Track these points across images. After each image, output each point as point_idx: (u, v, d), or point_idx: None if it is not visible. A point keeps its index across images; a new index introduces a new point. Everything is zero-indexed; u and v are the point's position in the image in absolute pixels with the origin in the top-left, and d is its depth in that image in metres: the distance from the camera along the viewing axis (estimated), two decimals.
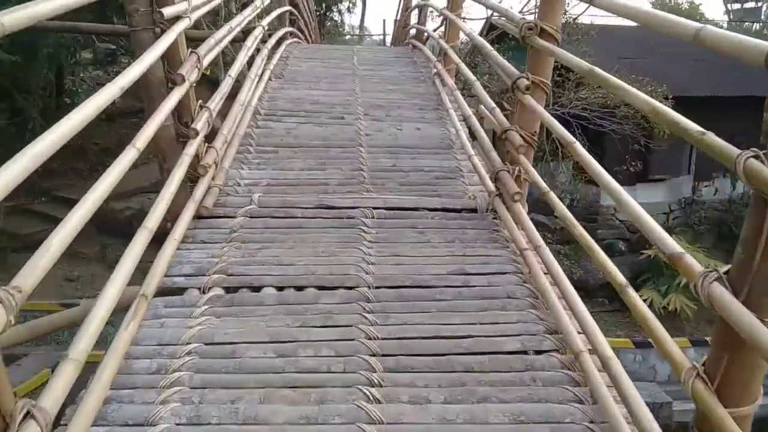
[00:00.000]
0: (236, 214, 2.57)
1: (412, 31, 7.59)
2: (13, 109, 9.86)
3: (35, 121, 9.87)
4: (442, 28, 5.78)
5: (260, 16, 4.82)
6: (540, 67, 2.36)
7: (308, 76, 4.84)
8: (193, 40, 7.18)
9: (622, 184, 1.69)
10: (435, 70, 4.82)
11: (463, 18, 7.89)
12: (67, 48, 9.19)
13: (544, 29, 2.27)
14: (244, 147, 3.37)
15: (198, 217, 2.52)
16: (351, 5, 18.06)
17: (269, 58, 4.85)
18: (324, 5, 15.74)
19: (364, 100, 4.26)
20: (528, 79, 2.34)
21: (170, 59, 2.40)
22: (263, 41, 5.39)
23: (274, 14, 5.13)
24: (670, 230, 11.34)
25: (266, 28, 4.54)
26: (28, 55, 8.60)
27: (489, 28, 10.47)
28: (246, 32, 4.33)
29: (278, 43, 5.87)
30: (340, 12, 16.92)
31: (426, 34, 6.07)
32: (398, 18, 10.43)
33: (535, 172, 2.46)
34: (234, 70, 3.18)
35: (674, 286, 9.84)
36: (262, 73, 4.44)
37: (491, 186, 2.78)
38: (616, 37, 11.05)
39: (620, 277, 1.64)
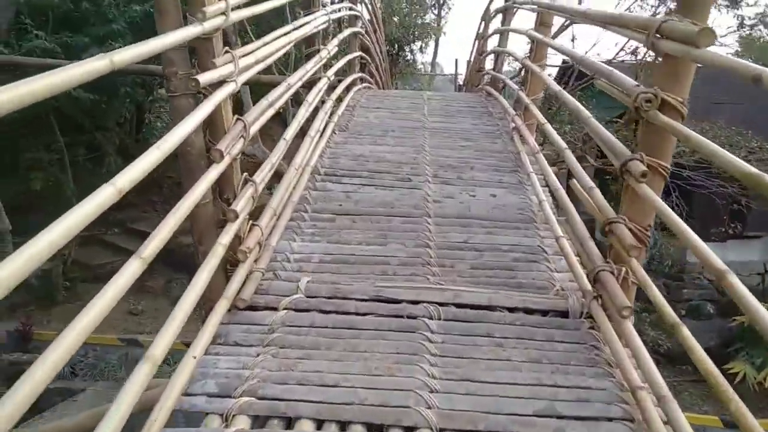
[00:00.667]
0: (279, 305, 2.18)
1: (487, 76, 7.20)
2: (91, 145, 10.20)
3: (111, 158, 10.16)
4: (523, 75, 5.33)
5: (327, 64, 4.56)
6: (659, 148, 1.87)
7: (374, 128, 4.50)
8: (263, 85, 7.09)
9: (711, 240, 1.21)
10: (513, 125, 4.37)
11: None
12: (144, 86, 9.41)
13: (666, 102, 1.78)
14: (298, 213, 3.03)
15: (234, 307, 2.15)
16: (424, 45, 17.96)
17: (334, 108, 4.56)
18: (397, 45, 15.69)
19: (434, 158, 3.86)
20: (643, 161, 1.85)
21: (212, 128, 2.08)
22: (331, 88, 5.15)
23: (341, 62, 4.86)
24: (765, 294, 10.16)
25: (331, 77, 4.26)
26: (107, 94, 8.87)
27: (563, 72, 9.92)
28: (311, 83, 4.06)
29: (346, 89, 5.62)
30: (412, 51, 16.82)
31: (502, 82, 5.64)
32: (471, 60, 10.09)
33: (647, 277, 1.94)
34: (290, 132, 2.86)
35: None
36: (325, 126, 4.15)
37: (586, 283, 2.27)
38: (703, 79, 10.22)
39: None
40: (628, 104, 1.96)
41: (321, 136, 4.00)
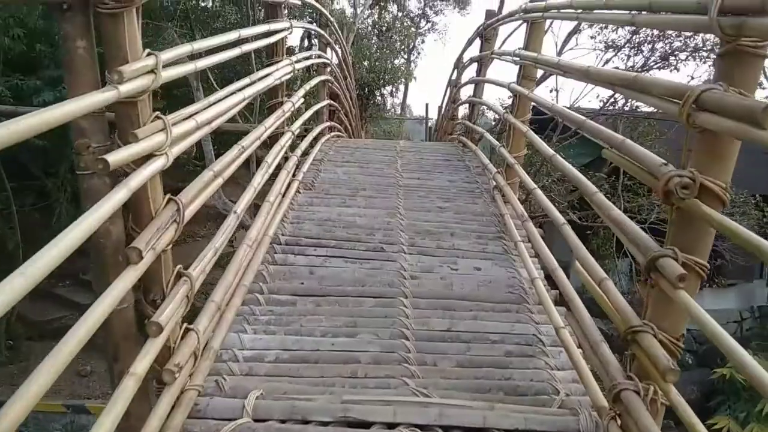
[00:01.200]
0: None
1: (461, 125, 6.94)
2: (41, 192, 9.52)
3: (62, 206, 9.50)
4: (503, 129, 5.04)
5: (292, 116, 4.18)
6: (696, 243, 1.50)
7: (343, 186, 4.11)
8: (226, 133, 6.65)
9: None
10: (494, 183, 4.03)
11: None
12: None
13: (705, 187, 1.42)
14: (251, 295, 2.57)
15: None
16: (394, 89, 17.92)
17: (300, 163, 4.16)
18: (367, 89, 15.56)
19: (409, 223, 3.47)
20: (677, 259, 1.47)
21: (136, 212, 1.64)
22: (299, 137, 4.77)
23: (307, 113, 4.48)
24: (743, 342, 10.00)
25: (296, 131, 3.87)
26: (58, 140, 8.31)
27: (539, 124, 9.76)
28: (273, 137, 3.66)
29: (314, 140, 5.25)
30: (382, 95, 16.71)
31: (479, 134, 5.35)
32: (444, 108, 9.90)
33: (681, 399, 1.55)
34: (241, 205, 2.43)
35: (755, 414, 8.39)
36: (288, 186, 3.73)
37: (599, 397, 1.86)
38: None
39: None
40: (652, 185, 1.60)
41: (283, 197, 3.59)
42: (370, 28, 18.29)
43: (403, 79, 18.03)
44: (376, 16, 18.36)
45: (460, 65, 7.98)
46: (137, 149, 1.50)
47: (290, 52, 7.88)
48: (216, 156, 9.14)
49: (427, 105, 20.45)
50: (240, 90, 2.51)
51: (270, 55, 3.61)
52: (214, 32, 7.59)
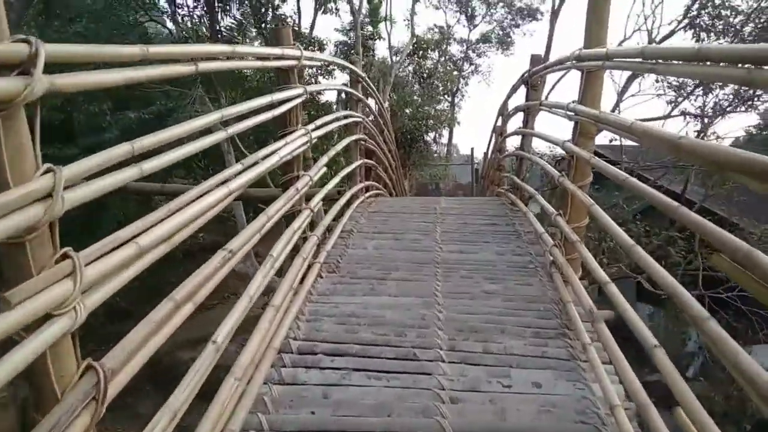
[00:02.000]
0: None
1: (507, 178, 6.33)
2: None
3: None
4: (559, 192, 4.44)
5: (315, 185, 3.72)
6: None
7: (373, 265, 3.57)
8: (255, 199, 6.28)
9: None
10: (551, 259, 3.40)
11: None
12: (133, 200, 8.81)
13: None
14: None
15: None
16: (437, 135, 17.53)
17: (324, 238, 3.66)
18: (409, 137, 15.19)
19: (449, 315, 2.87)
20: None
21: (37, 391, 1.14)
22: (331, 200, 4.31)
23: (332, 183, 3.99)
24: None
25: (316, 209, 3.38)
26: (95, 210, 8.25)
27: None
28: (288, 218, 3.19)
29: (346, 204, 4.77)
30: (426, 142, 16.29)
31: (528, 194, 4.73)
32: (489, 156, 9.33)
33: None
34: (221, 334, 1.89)
35: None
36: (307, 270, 3.23)
37: None
38: None
39: None
40: None
41: (301, 283, 3.08)
42: (411, 75, 18.09)
43: (446, 125, 17.62)
44: (417, 64, 18.18)
45: (504, 113, 7.44)
46: (16, 317, 1.00)
47: (326, 108, 7.51)
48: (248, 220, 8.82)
49: (472, 149, 19.89)
50: (223, 183, 2.03)
51: (281, 125, 3.17)
52: (243, 94, 7.38)
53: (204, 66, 1.96)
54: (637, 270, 7.04)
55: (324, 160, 3.72)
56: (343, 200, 4.67)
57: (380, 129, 7.71)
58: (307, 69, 8.54)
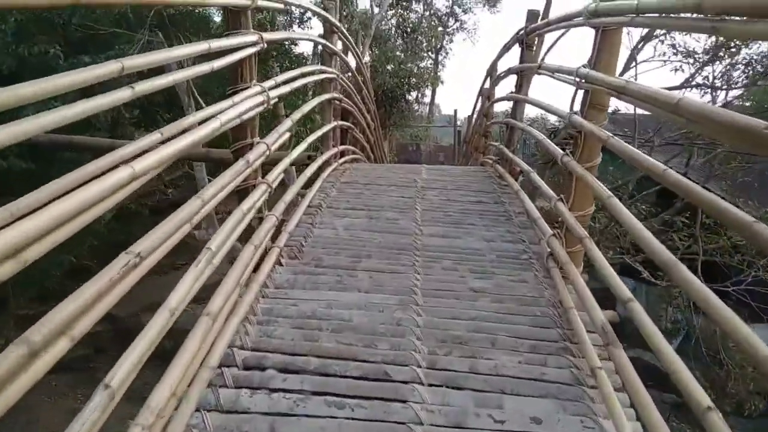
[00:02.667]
0: None
1: (494, 147, 5.81)
2: None
3: None
4: (558, 168, 3.97)
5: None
6: None
7: (342, 250, 3.06)
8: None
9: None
10: (548, 251, 2.94)
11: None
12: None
13: None
14: None
15: None
16: (420, 95, 16.85)
17: (288, 213, 3.14)
18: (390, 96, 14.49)
19: (429, 320, 2.40)
20: None
21: None
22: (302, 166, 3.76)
23: (292, 155, 3.41)
24: None
25: (274, 184, 2.83)
26: (45, 163, 7.54)
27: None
28: (241, 191, 2.65)
29: (315, 174, 4.24)
30: (407, 101, 15.60)
31: (519, 168, 4.22)
32: (474, 119, 8.78)
33: None
34: (114, 377, 1.37)
35: None
36: (263, 256, 2.72)
37: None
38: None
39: None
40: None
41: (254, 272, 2.57)
42: (393, 29, 17.21)
43: (430, 84, 16.92)
44: (400, 17, 17.27)
45: (493, 74, 6.87)
46: None
47: (300, 61, 6.80)
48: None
49: (455, 111, 19.26)
50: (127, 162, 1.48)
51: (232, 81, 2.58)
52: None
53: None
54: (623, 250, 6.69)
55: (287, 123, 3.15)
56: (311, 169, 4.12)
57: (358, 87, 7.09)
58: (279, 16, 7.77)
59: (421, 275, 2.80)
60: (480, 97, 8.08)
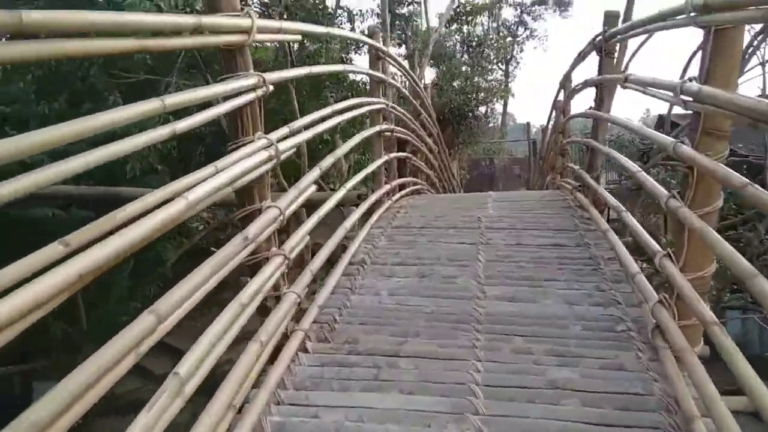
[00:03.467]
0: None
1: (572, 170, 5.04)
2: None
3: None
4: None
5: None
6: None
7: (382, 329, 2.46)
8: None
9: None
10: (654, 322, 2.21)
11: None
12: None
13: None
14: None
15: None
16: (489, 110, 16.06)
17: (309, 291, 2.60)
18: (458, 113, 13.81)
19: None
20: None
21: None
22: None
23: (306, 226, 2.84)
24: None
25: (292, 257, 2.30)
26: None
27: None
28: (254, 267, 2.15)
29: (364, 217, 3.73)
30: (476, 118, 14.81)
31: (605, 202, 3.46)
32: (548, 135, 7.98)
33: None
34: None
35: None
36: (284, 342, 2.19)
37: None
38: None
39: None
40: None
41: (266, 373, 2.04)
42: (458, 44, 16.58)
43: (500, 98, 16.09)
44: (464, 32, 16.61)
45: (567, 85, 6.11)
46: None
47: (356, 88, 6.28)
48: None
49: (528, 124, 18.25)
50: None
51: (232, 134, 2.09)
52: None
53: None
54: None
55: (312, 174, 2.62)
56: (356, 215, 3.59)
57: (416, 112, 6.54)
58: (333, 44, 7.39)
59: (482, 362, 2.16)
60: (554, 110, 7.30)
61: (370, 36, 4.36)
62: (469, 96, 13.82)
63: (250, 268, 2.19)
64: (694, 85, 1.97)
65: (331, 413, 1.93)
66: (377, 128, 4.26)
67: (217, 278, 1.80)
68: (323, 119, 2.87)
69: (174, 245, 8.18)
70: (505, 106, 23.50)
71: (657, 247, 2.28)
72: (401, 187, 5.43)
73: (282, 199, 2.29)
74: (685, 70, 5.77)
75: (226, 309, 1.81)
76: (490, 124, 21.16)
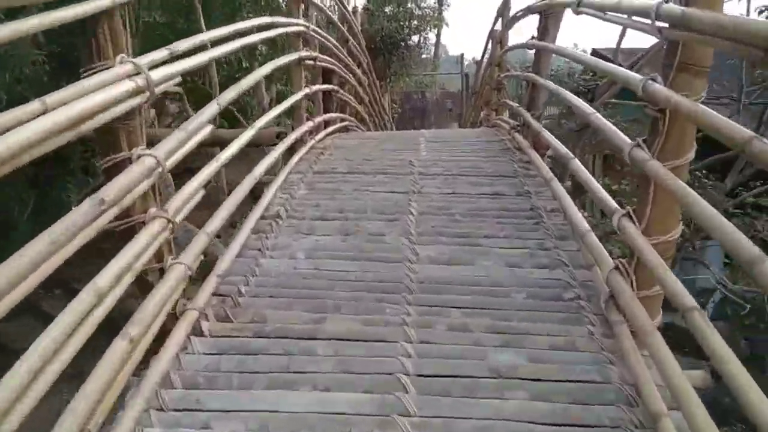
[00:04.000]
0: None
1: (509, 108, 4.70)
2: None
3: None
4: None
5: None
6: None
7: (296, 302, 2.07)
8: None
9: None
10: (608, 291, 1.93)
11: None
12: None
13: None
14: None
15: None
16: (423, 39, 15.39)
17: (209, 261, 2.14)
18: (390, 42, 13.09)
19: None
20: None
21: None
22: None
23: (191, 186, 2.32)
24: None
25: (178, 220, 1.82)
26: None
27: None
28: (126, 232, 1.67)
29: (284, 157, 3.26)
30: (408, 47, 14.14)
31: (548, 143, 3.13)
32: (483, 69, 7.59)
33: None
34: None
35: None
36: (168, 327, 1.75)
37: None
38: None
39: None
40: None
41: (144, 375, 1.61)
42: None
43: (433, 27, 15.39)
44: None
45: (505, 12, 5.67)
46: None
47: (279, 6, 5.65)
48: None
49: (462, 56, 17.72)
50: None
51: (84, 58, 1.54)
52: None
53: None
54: None
55: (205, 115, 2.10)
56: (269, 158, 3.10)
57: (344, 39, 5.93)
58: None
59: (413, 344, 1.82)
60: (490, 41, 6.87)
61: None
62: (402, 23, 13.10)
63: (120, 234, 1.70)
64: (675, 8, 1.59)
65: (226, 421, 1.54)
66: (295, 55, 3.69)
67: (64, 255, 1.32)
68: (220, 42, 2.30)
69: (76, 183, 7.30)
70: (438, 36, 22.72)
71: (615, 205, 1.97)
72: (327, 123, 4.92)
73: (161, 145, 1.77)
74: None
75: (69, 307, 1.33)
76: (423, 56, 20.44)
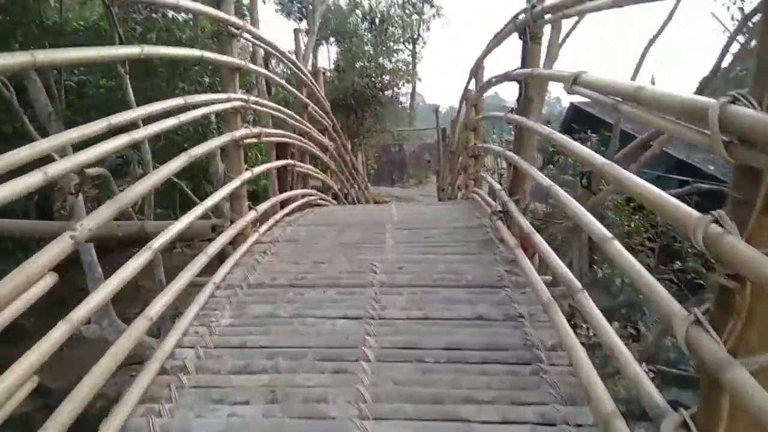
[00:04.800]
0: None
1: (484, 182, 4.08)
2: None
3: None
4: None
5: None
6: None
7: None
8: None
9: None
10: None
11: None
12: None
13: None
14: None
15: None
16: (395, 93, 15.02)
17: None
18: (362, 98, 12.63)
19: None
20: None
21: None
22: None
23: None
24: None
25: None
26: None
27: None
28: None
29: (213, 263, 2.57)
30: (381, 104, 13.66)
31: (538, 250, 2.47)
32: (458, 131, 7.06)
33: None
34: None
35: None
36: None
37: None
38: None
39: None
40: None
41: None
42: (360, 20, 15.35)
43: (406, 80, 15.08)
44: (365, 6, 15.41)
45: (479, 75, 5.15)
46: None
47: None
48: None
49: (437, 110, 17.38)
50: None
51: None
52: None
53: None
54: None
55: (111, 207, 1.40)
56: (198, 263, 2.40)
57: (302, 104, 5.35)
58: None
59: None
60: (464, 102, 6.35)
61: (217, 4, 3.09)
62: (373, 78, 12.71)
63: None
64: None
65: None
66: (228, 137, 3.04)
67: None
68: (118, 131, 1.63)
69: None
70: (414, 86, 22.60)
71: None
72: (283, 204, 4.26)
73: None
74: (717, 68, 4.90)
75: None
76: (400, 104, 20.20)
